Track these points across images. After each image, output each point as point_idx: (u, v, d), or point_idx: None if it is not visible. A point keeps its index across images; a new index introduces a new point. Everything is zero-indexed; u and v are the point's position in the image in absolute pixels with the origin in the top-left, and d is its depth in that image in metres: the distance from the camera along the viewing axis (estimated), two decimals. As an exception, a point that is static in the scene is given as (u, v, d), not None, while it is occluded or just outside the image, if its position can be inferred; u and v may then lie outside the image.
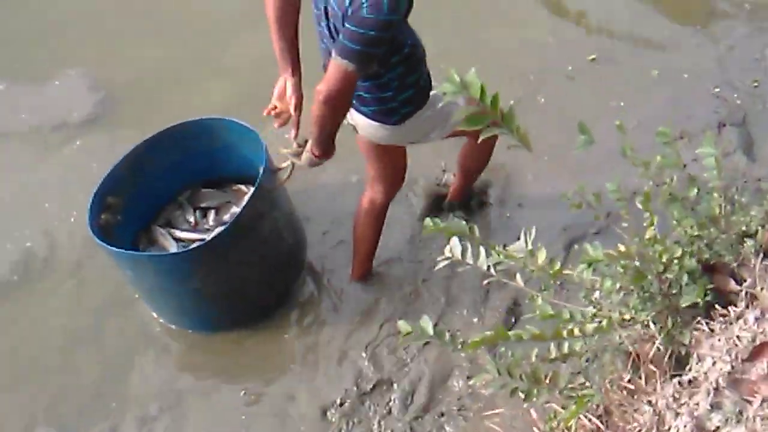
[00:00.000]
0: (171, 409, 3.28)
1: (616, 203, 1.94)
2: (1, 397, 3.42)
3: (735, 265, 1.85)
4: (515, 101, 3.91)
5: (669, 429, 1.58)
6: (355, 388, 3.17)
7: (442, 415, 3.04)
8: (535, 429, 2.14)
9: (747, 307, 1.64)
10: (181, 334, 3.50)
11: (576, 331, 1.97)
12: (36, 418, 3.32)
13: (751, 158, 3.63)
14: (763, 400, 1.45)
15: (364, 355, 3.27)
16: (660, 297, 1.91)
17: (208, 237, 3.33)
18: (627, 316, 2.00)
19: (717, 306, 1.82)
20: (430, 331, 1.91)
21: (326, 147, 2.74)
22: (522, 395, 1.97)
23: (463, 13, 4.57)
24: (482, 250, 2.04)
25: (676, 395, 1.56)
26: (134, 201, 3.40)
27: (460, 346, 1.95)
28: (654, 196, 1.98)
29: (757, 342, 1.50)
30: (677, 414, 1.56)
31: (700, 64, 4.12)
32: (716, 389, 1.48)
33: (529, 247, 2.09)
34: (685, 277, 1.87)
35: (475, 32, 4.46)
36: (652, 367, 1.68)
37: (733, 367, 1.48)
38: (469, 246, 2.04)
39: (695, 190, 1.98)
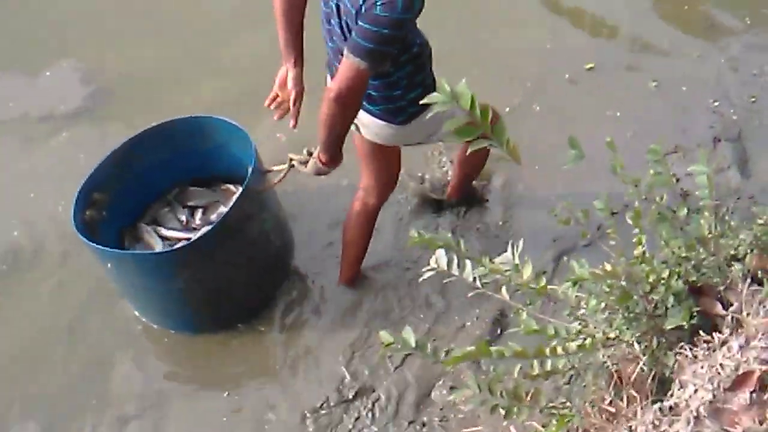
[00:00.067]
0: (152, 409, 3.24)
1: (605, 221, 1.89)
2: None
3: (722, 288, 1.81)
4: (510, 109, 3.89)
5: (648, 456, 1.55)
6: (336, 395, 3.13)
7: (424, 425, 3.01)
8: (514, 447, 2.12)
9: (732, 333, 1.60)
10: (164, 334, 3.46)
11: (559, 350, 1.93)
12: (16, 412, 3.29)
13: (746, 175, 3.59)
14: (743, 432, 1.42)
15: (348, 361, 3.23)
16: (645, 318, 1.88)
17: (194, 236, 3.30)
18: (612, 335, 1.97)
19: (702, 330, 1.78)
20: (412, 343, 1.88)
21: (334, 153, 2.73)
22: (502, 412, 1.94)
23: (463, 15, 4.53)
24: (468, 261, 2.02)
25: (656, 422, 1.53)
26: (121, 197, 3.36)
27: (441, 360, 1.92)
28: (644, 211, 1.95)
29: (740, 371, 1.46)
30: (657, 441, 1.53)
31: (699, 77, 4.08)
32: (697, 418, 1.45)
33: (516, 260, 2.07)
34: (671, 299, 1.84)
35: (475, 34, 4.42)
36: (633, 392, 1.64)
37: (714, 396, 1.45)
38: (455, 256, 2.01)
39: (685, 210, 1.95)
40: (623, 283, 1.85)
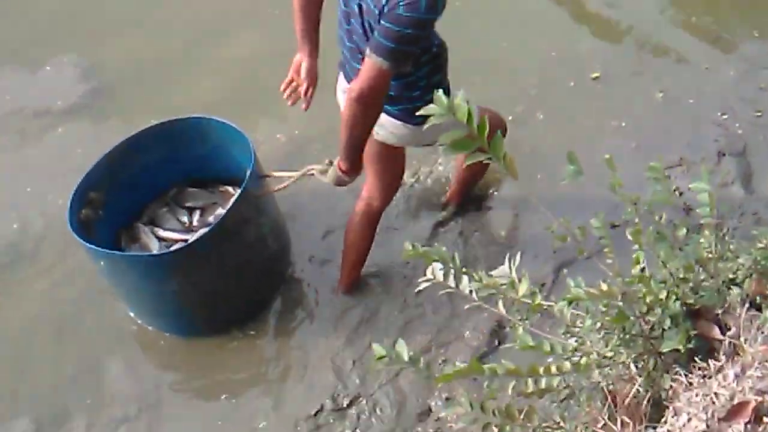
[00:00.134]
0: (147, 411, 3.21)
1: (598, 243, 1.86)
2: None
3: (720, 311, 1.78)
4: (513, 117, 3.86)
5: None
6: (331, 402, 3.10)
7: (420, 434, 2.99)
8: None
9: (729, 359, 1.57)
10: (160, 335, 3.43)
11: (553, 369, 1.90)
12: (8, 409, 3.26)
13: (749, 190, 3.55)
14: (737, 464, 1.39)
15: (344, 369, 3.20)
16: (641, 339, 1.85)
17: (191, 238, 3.27)
18: (608, 354, 1.94)
19: (700, 353, 1.75)
20: (406, 357, 1.85)
21: (354, 159, 2.72)
22: (495, 430, 1.91)
23: (467, 21, 4.47)
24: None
25: (649, 450, 1.49)
26: (117, 197, 3.33)
27: (433, 377, 1.89)
28: (646, 227, 1.92)
29: (735, 401, 1.43)
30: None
31: (705, 90, 4.05)
32: (690, 448, 1.42)
33: (513, 274, 2.04)
34: (668, 321, 1.80)
35: (479, 40, 4.37)
36: (626, 417, 1.61)
37: (708, 426, 1.41)
38: (452, 268, 1.99)
39: (684, 230, 1.92)
40: (619, 303, 1.82)
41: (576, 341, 2.00)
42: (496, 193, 3.73)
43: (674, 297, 1.83)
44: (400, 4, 2.38)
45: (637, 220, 1.92)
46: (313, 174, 3.00)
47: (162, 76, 4.51)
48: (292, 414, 3.10)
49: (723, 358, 1.58)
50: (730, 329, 1.73)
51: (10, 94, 4.61)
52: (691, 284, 1.83)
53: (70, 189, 3.20)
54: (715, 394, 1.47)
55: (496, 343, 3.17)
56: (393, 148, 2.99)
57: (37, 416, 3.23)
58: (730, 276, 1.75)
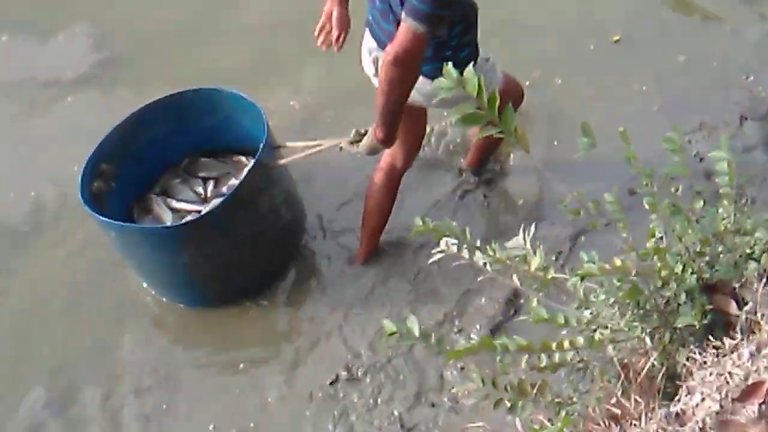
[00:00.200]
0: (164, 381, 3.22)
1: (614, 215, 1.82)
2: (2, 352, 3.40)
3: (737, 285, 1.73)
4: (530, 82, 3.78)
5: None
6: (345, 373, 3.09)
7: (434, 406, 2.96)
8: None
9: (744, 336, 1.52)
10: (173, 306, 3.43)
11: (566, 344, 1.87)
12: (26, 379, 3.29)
13: (772, 155, 3.48)
14: (750, 446, 1.35)
15: (358, 339, 3.18)
16: (656, 314, 1.81)
17: (204, 209, 3.25)
18: (623, 327, 1.90)
19: (716, 327, 1.71)
20: (416, 333, 1.83)
21: (391, 126, 2.68)
22: (508, 404, 1.89)
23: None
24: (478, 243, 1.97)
25: (661, 431, 1.46)
26: (129, 169, 3.31)
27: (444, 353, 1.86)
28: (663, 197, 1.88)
29: (750, 381, 1.39)
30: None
31: (729, 53, 3.95)
32: (702, 429, 1.38)
33: (527, 245, 2.00)
34: (683, 296, 1.76)
35: (495, 3, 4.27)
36: (638, 397, 1.57)
37: (722, 406, 1.37)
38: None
39: (701, 202, 1.87)
40: (634, 278, 1.78)
41: (590, 314, 1.96)
42: (515, 162, 3.66)
43: (690, 271, 1.79)
44: None
45: (654, 189, 1.87)
46: (341, 147, 2.96)
47: (174, 45, 4.47)
48: (307, 384, 3.09)
49: (738, 335, 1.53)
50: (747, 303, 1.69)
51: (20, 63, 4.61)
52: (707, 258, 1.78)
53: (81, 159, 3.19)
54: (729, 373, 1.43)
55: (512, 312, 3.14)
56: (416, 108, 2.95)
57: (51, 386, 3.25)
58: (747, 251, 1.70)
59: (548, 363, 1.93)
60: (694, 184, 3.00)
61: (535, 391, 1.89)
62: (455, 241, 1.97)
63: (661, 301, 1.82)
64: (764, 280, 1.64)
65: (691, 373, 1.52)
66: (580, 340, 1.86)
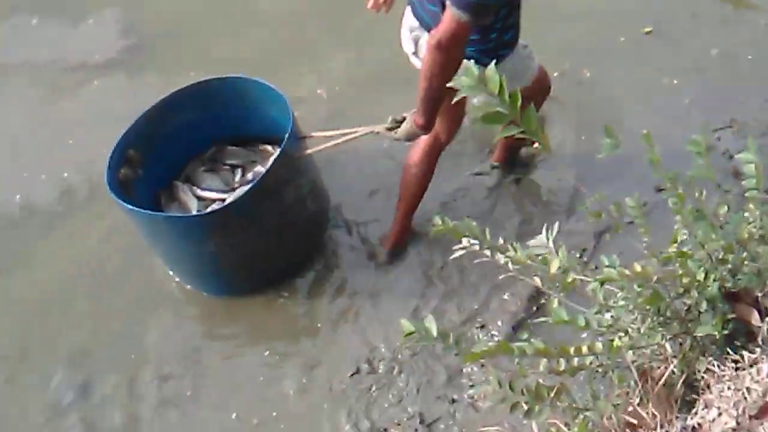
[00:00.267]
0: (191, 367, 3.24)
1: (635, 220, 1.80)
2: (29, 333, 3.44)
3: (760, 295, 1.70)
4: (559, 74, 3.74)
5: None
6: (367, 366, 3.09)
7: (454, 401, 2.95)
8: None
9: (763, 351, 1.50)
10: (198, 294, 3.45)
11: (584, 349, 1.85)
12: (51, 360, 3.32)
13: (805, 156, 3.41)
14: (765, 464, 1.33)
15: (381, 332, 3.18)
16: (677, 322, 1.79)
17: (229, 198, 3.26)
18: (642, 332, 1.88)
19: (737, 338, 1.69)
20: (434, 333, 1.83)
21: (431, 114, 2.70)
22: (525, 407, 1.87)
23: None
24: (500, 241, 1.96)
25: (677, 444, 1.44)
26: (156, 156, 3.32)
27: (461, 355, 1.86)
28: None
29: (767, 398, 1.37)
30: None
31: (763, 47, 3.88)
32: (718, 445, 1.37)
33: (550, 244, 1.99)
34: (704, 304, 1.74)
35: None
36: (654, 410, 1.55)
37: (738, 423, 1.36)
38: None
39: (725, 208, 1.84)
40: (655, 284, 1.76)
41: (611, 317, 1.94)
42: (541, 156, 3.61)
43: (712, 278, 1.77)
44: None
45: (680, 190, 1.85)
46: (378, 133, 2.97)
47: (202, 32, 4.49)
48: (328, 376, 3.10)
49: (759, 348, 1.51)
50: (768, 315, 1.66)
51: (48, 46, 4.64)
52: (730, 266, 1.75)
53: (108, 143, 3.20)
54: (747, 389, 1.40)
55: (535, 308, 3.12)
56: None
57: (76, 370, 3.28)
58: (771, 260, 1.67)
59: (567, 367, 1.92)
60: (722, 183, 2.98)
61: (552, 395, 1.88)
62: (474, 243, 1.96)
63: (681, 309, 1.80)
64: (787, 290, 1.62)
65: (708, 386, 1.50)
66: (599, 345, 1.84)
